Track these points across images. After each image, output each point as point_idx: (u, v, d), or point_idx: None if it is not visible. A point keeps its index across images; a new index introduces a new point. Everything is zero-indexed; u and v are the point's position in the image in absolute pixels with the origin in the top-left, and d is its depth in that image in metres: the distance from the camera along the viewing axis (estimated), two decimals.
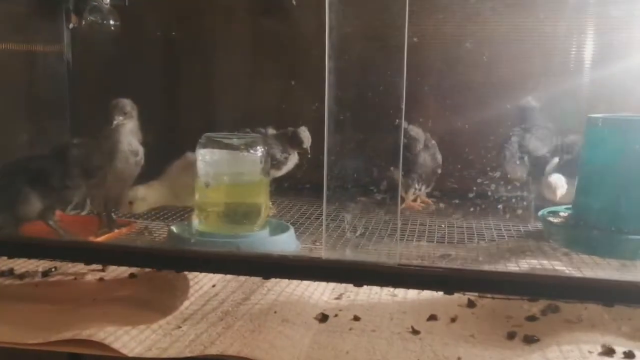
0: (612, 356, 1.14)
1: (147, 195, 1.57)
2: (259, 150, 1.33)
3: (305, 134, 1.83)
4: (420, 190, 1.88)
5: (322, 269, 1.12)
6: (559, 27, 1.91)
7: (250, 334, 1.19)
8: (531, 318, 1.32)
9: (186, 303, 1.37)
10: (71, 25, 2.07)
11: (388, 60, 1.21)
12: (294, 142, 1.82)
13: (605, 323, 1.28)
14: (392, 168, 1.44)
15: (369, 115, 1.41)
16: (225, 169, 1.32)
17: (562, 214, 1.56)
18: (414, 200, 1.93)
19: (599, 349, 1.16)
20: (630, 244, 1.29)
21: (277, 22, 2.03)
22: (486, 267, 1.20)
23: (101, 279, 1.50)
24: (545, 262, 1.39)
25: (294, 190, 1.93)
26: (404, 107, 1.15)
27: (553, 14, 1.89)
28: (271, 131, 1.83)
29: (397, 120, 1.15)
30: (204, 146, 1.30)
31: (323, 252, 1.17)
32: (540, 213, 1.56)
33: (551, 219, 1.52)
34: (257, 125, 1.78)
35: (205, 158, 1.30)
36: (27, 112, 2.00)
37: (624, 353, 1.15)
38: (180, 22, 2.08)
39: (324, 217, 1.28)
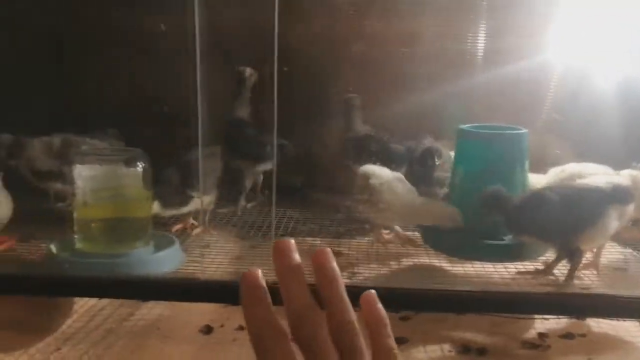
0: (468, 354, 1.27)
1: None
2: (140, 165, 1.31)
3: None
4: None
5: (199, 291, 1.14)
6: None
7: (131, 355, 1.21)
8: (404, 318, 1.42)
9: (69, 321, 1.36)
10: None
11: None
12: None
13: (469, 319, 1.40)
14: None
15: None
16: (104, 185, 1.29)
17: None
18: None
19: (458, 348, 1.29)
20: (491, 248, 1.38)
21: None
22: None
23: None
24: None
25: None
26: None
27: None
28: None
29: None
30: (81, 162, 1.27)
31: (202, 271, 1.19)
32: None
33: None
34: None
35: (82, 174, 1.27)
36: None
37: (478, 350, 1.28)
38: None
39: None
